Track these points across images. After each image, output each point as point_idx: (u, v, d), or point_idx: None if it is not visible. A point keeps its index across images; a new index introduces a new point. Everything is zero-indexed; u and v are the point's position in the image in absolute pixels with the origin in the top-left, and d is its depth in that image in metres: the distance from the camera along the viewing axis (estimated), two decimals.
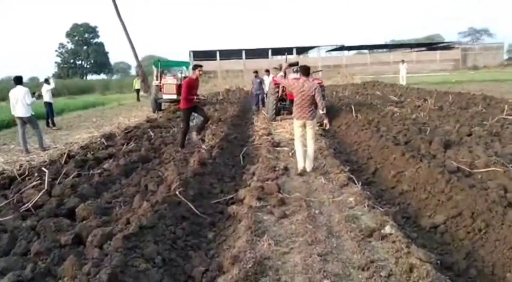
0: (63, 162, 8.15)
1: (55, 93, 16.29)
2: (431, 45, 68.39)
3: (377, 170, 7.41)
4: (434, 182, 5.70)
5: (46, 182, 5.95)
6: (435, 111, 13.23)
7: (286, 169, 7.28)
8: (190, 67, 20.83)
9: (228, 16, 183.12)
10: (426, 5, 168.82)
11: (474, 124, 10.41)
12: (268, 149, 8.98)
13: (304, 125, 6.96)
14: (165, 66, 21.57)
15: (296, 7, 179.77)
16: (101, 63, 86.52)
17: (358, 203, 5.30)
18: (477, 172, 6.09)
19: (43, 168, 7.02)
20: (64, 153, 8.72)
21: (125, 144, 9.51)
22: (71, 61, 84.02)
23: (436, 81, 31.52)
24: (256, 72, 17.55)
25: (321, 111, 6.93)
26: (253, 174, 7.19)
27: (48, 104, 15.40)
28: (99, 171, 7.00)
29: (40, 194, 5.57)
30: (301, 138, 7.06)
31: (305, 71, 6.95)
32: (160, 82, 18.59)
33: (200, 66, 9.32)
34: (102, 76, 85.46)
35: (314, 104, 6.84)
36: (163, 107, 19.21)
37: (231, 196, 6.04)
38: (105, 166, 7.44)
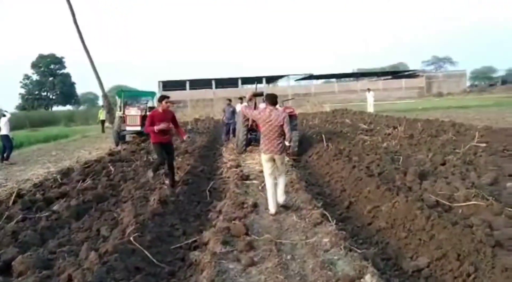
0: (10, 203, 7.36)
1: (16, 126, 15.33)
2: (396, 73, 70.39)
3: (352, 203, 6.97)
4: (413, 218, 5.28)
5: None
6: (406, 139, 13.08)
7: (255, 205, 6.74)
8: (156, 97, 20.31)
9: (198, 46, 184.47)
10: (390, 35, 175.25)
11: (447, 152, 10.22)
12: (236, 183, 8.45)
13: (273, 160, 6.44)
14: (129, 96, 20.91)
15: (263, 37, 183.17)
16: (68, 94, 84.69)
17: (334, 244, 4.80)
18: (457, 205, 5.73)
19: None
20: (13, 193, 7.92)
21: (82, 180, 8.77)
22: (36, 92, 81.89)
23: (403, 109, 31.95)
24: (229, 100, 17.01)
25: (287, 143, 6.44)
26: (220, 211, 6.62)
27: (5, 137, 14.52)
28: (47, 213, 6.26)
29: None
30: (272, 175, 6.52)
31: (272, 99, 6.43)
32: (123, 114, 17.72)
33: (167, 97, 8.29)
34: (68, 107, 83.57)
35: (283, 135, 6.34)
36: (127, 139, 18.43)
37: (194, 239, 5.44)
38: (55, 207, 6.69)
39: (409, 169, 8.01)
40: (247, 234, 5.27)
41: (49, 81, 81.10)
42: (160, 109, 8.09)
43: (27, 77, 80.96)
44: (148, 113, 17.92)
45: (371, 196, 6.76)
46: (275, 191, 6.48)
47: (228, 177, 9.48)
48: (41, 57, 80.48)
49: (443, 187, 6.61)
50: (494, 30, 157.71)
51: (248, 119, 12.95)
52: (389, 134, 14.63)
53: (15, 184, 9.93)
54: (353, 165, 8.92)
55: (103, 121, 28.44)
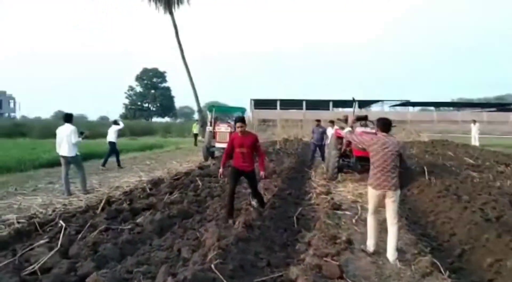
0: (98, 210, 7.39)
1: (119, 133, 16.50)
2: (503, 105, 64.51)
3: (465, 252, 5.90)
4: None
5: (60, 238, 5.09)
6: None
7: (349, 242, 5.96)
8: (248, 113, 20.28)
9: (290, 66, 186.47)
10: (495, 63, 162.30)
11: None
12: (327, 212, 7.74)
13: (383, 197, 5.49)
14: (219, 111, 21.01)
15: (358, 60, 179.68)
16: (167, 106, 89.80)
17: None
18: None
19: (60, 222, 6.16)
20: (102, 200, 8.00)
21: (169, 193, 8.66)
22: (139, 103, 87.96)
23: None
24: (318, 121, 16.16)
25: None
26: (309, 243, 5.96)
27: (112, 144, 15.51)
28: (130, 226, 6.08)
29: (51, 253, 4.68)
30: (376, 214, 5.70)
31: (386, 125, 5.62)
32: (213, 129, 17.80)
33: (241, 119, 7.33)
34: (167, 119, 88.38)
35: (398, 168, 5.48)
36: (216, 155, 18.48)
37: (280, 274, 4.84)
38: (140, 219, 6.52)
39: None
40: (341, 277, 4.55)
41: (151, 94, 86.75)
42: (239, 133, 7.17)
43: (131, 88, 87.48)
44: None
45: (491, 245, 5.66)
46: (377, 229, 5.70)
47: (318, 204, 8.79)
48: (145, 70, 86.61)
49: None
50: None
51: (341, 144, 12.16)
52: (501, 172, 12.91)
53: (107, 189, 10.17)
54: (464, 205, 7.75)
55: (196, 135, 29.37)
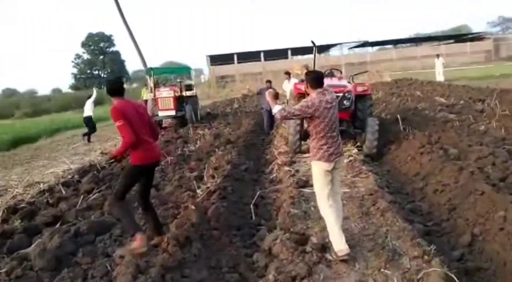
0: None
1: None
2: (459, 37, 64.06)
3: (476, 238, 4.42)
4: None
5: None
6: (508, 119, 10.06)
7: (323, 248, 4.31)
8: (192, 72, 17.72)
9: (244, 17, 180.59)
10: None
11: None
12: (291, 192, 6.11)
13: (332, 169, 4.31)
14: (160, 74, 18.64)
15: (314, 3, 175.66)
16: (118, 72, 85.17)
17: None
18: None
19: None
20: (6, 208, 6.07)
21: (89, 191, 6.76)
22: (88, 71, 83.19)
23: (476, 76, 27.95)
24: (269, 82, 12.85)
25: None
26: (269, 252, 4.35)
27: (88, 118, 14.82)
28: (7, 268, 4.15)
29: None
30: (331, 197, 4.31)
31: (319, 80, 4.34)
32: (154, 96, 15.41)
33: (114, 81, 4.62)
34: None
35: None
36: (164, 125, 16.38)
37: None
38: (31, 247, 4.61)
39: None
40: None
41: (100, 60, 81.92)
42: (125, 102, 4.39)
43: (78, 56, 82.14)
44: (186, 93, 15.59)
45: (510, 226, 4.18)
46: (339, 222, 4.27)
47: (280, 180, 7.18)
48: (90, 35, 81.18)
49: None
50: None
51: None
52: (481, 111, 11.60)
53: (21, 188, 8.11)
54: (456, 164, 6.27)
55: (146, 101, 26.98)
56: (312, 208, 5.57)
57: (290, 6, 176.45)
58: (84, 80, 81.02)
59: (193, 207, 5.23)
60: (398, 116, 10.56)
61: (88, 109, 14.81)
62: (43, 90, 78.24)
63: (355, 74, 11.12)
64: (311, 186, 6.56)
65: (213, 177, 6.98)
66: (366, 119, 8.53)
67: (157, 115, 15.14)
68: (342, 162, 4.48)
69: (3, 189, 8.47)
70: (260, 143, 11.27)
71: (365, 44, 62.00)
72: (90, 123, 14.89)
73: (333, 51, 64.38)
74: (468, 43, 58.28)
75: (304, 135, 8.19)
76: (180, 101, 15.31)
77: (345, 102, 8.14)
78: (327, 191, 4.25)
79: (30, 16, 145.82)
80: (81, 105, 35.15)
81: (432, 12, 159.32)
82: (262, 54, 55.39)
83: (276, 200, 6.28)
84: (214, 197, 5.95)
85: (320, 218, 5.10)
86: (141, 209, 4.75)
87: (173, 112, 15.04)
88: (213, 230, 4.87)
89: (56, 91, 76.43)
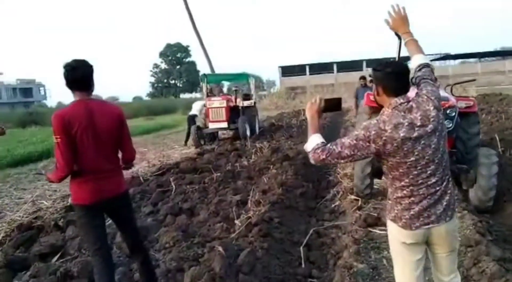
0: None
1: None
2: None
3: None
4: None
5: None
6: None
7: None
8: (251, 80, 15.68)
9: (319, 28, 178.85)
10: None
11: None
12: (355, 236, 4.61)
13: (427, 242, 2.44)
14: (215, 81, 17.15)
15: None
16: (194, 81, 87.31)
17: None
18: None
19: None
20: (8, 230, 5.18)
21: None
22: (165, 80, 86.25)
23: None
24: (363, 78, 11.43)
25: None
26: None
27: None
28: None
29: None
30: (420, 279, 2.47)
31: (400, 82, 2.42)
32: (205, 105, 13.80)
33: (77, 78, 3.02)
34: (195, 94, 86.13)
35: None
36: (221, 137, 14.92)
37: None
38: None
39: None
40: None
41: (176, 70, 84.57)
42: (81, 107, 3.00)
43: (156, 66, 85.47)
44: (243, 103, 13.97)
45: None
46: None
47: (343, 212, 5.67)
48: (168, 46, 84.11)
49: None
50: None
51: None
52: None
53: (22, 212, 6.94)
54: None
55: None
56: (384, 262, 4.02)
57: (365, 16, 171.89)
58: (161, 89, 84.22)
59: (220, 249, 3.91)
60: (496, 136, 8.55)
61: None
62: (126, 98, 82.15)
63: (459, 83, 7.42)
64: (383, 224, 5.03)
65: (258, 203, 5.63)
66: (474, 150, 5.66)
67: (206, 127, 13.69)
68: (449, 232, 2.41)
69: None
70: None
71: (446, 56, 57.94)
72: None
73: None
74: None
75: (378, 170, 5.79)
76: (235, 113, 13.65)
77: (446, 123, 5.57)
78: (415, 274, 2.43)
79: (113, 25, 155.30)
80: (150, 113, 35.67)
81: None
82: (335, 66, 53.73)
83: (335, 240, 4.81)
84: (254, 232, 4.60)
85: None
86: (130, 255, 3.50)
87: (225, 124, 13.32)
88: None
89: (137, 99, 79.60)
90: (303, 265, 4.27)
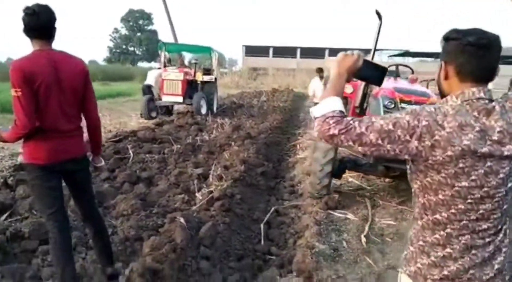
0: None
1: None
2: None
3: None
4: None
5: None
6: None
7: None
8: (214, 55, 14.50)
9: (284, 13, 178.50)
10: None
11: None
12: (315, 217, 4.65)
13: None
14: (174, 51, 16.07)
15: (358, 7, 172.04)
16: (153, 51, 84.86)
17: None
18: None
19: None
20: None
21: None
22: (123, 46, 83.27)
23: None
24: (320, 69, 10.78)
25: None
26: None
27: None
28: None
29: None
30: None
31: (491, 64, 1.48)
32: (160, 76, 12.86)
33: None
34: (153, 64, 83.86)
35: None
36: (176, 109, 14.06)
37: None
38: None
39: None
40: None
41: (136, 37, 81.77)
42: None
43: (116, 30, 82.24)
44: (202, 78, 13.09)
45: None
46: None
47: (302, 194, 5.71)
48: (131, 11, 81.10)
49: None
50: None
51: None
52: None
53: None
54: None
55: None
56: (344, 244, 4.07)
57: (331, 4, 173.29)
58: (118, 54, 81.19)
59: (181, 220, 3.80)
60: None
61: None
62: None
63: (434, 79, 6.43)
64: (344, 207, 5.12)
65: (220, 178, 5.55)
66: None
67: (160, 99, 12.79)
68: None
69: None
70: (284, 142, 9.79)
71: (405, 54, 59.50)
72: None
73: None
74: None
75: (340, 167, 5.22)
76: (192, 87, 12.91)
77: None
78: None
79: None
80: (106, 78, 34.43)
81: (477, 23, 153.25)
82: (298, 51, 53.90)
83: (295, 220, 4.83)
84: (216, 207, 4.53)
85: (356, 261, 3.64)
86: (83, 221, 3.33)
87: (180, 99, 12.45)
88: (201, 260, 3.47)
89: (93, 62, 76.44)
90: (262, 242, 4.26)
